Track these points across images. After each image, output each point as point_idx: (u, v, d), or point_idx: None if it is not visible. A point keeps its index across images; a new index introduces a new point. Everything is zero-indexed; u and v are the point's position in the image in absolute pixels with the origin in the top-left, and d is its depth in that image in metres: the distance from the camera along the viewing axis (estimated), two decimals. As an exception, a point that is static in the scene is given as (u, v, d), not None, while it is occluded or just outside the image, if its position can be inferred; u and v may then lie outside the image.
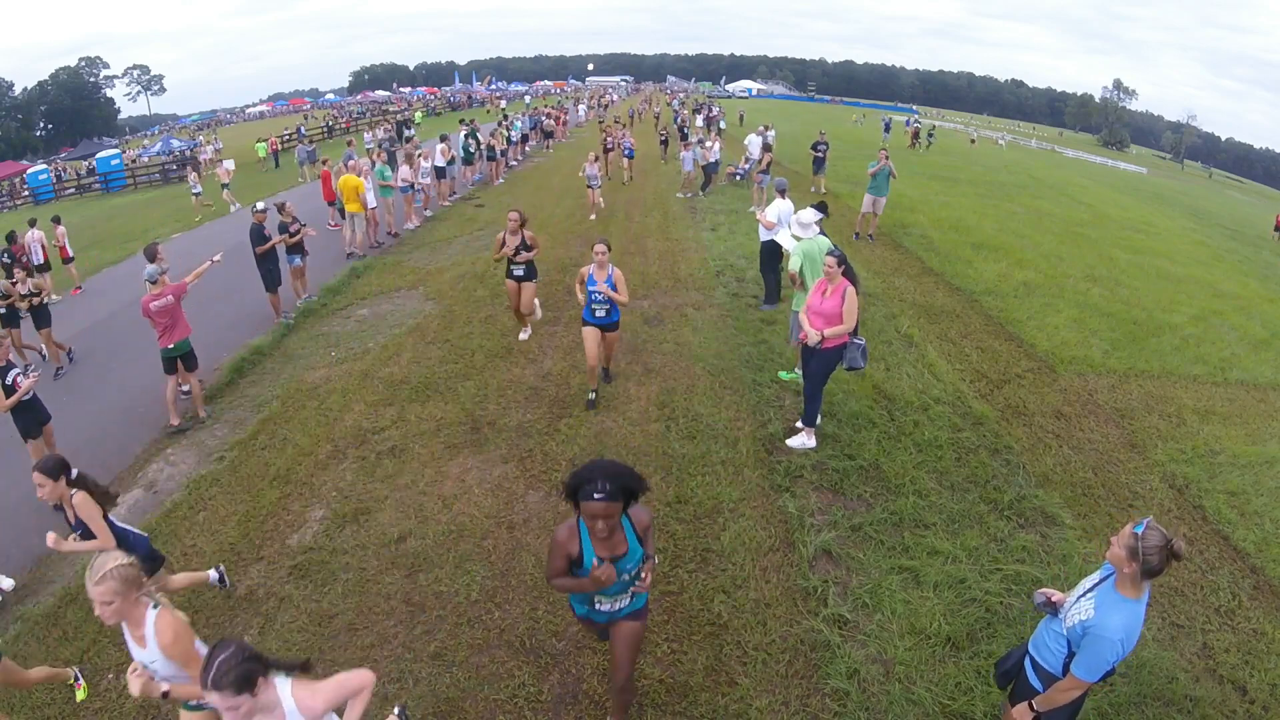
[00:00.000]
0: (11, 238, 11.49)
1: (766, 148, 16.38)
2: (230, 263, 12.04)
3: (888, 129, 38.18)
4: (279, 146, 30.30)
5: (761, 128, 18.13)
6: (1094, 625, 2.45)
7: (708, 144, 17.13)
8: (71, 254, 12.49)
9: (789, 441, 5.75)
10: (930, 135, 36.48)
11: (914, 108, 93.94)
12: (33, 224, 12.51)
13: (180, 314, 6.42)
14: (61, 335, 9.71)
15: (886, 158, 12.14)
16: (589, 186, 14.46)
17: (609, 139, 19.52)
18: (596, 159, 14.47)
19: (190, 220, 17.78)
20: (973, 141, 45.20)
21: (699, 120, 30.14)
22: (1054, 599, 2.77)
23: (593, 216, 14.46)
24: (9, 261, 11.23)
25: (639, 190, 17.54)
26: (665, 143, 23.18)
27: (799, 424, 5.86)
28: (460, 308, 9.22)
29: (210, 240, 14.69)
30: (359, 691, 2.47)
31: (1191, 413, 6.64)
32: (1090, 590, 2.60)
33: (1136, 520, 2.46)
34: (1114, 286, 10.68)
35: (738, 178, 17.12)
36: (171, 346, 6.39)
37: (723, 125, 30.27)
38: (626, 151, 18.57)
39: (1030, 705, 2.72)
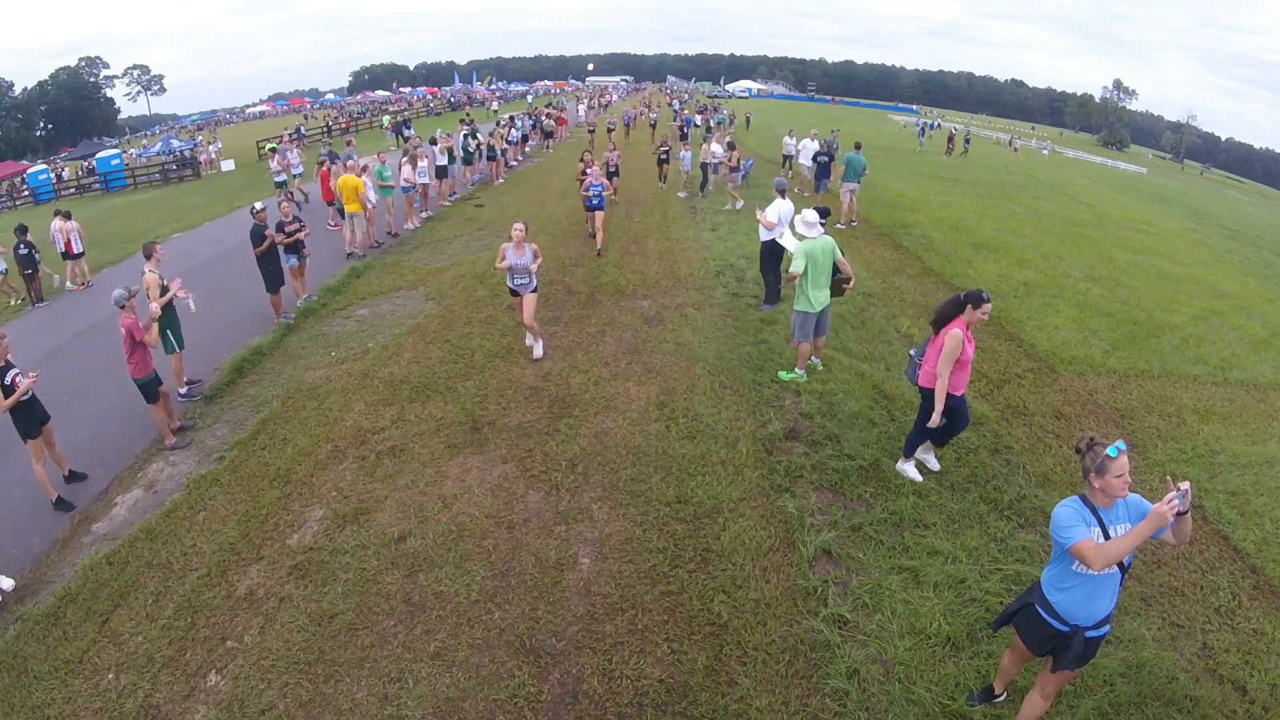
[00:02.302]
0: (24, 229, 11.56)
1: (827, 151, 16.18)
2: (230, 263, 12.10)
3: (922, 133, 36.97)
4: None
5: (794, 132, 18.11)
6: (1136, 511, 2.76)
7: (713, 145, 17.08)
8: (77, 250, 12.51)
9: (903, 468, 5.29)
10: (966, 142, 35.01)
11: (914, 107, 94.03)
12: (58, 214, 12.56)
13: (137, 352, 5.95)
14: (61, 334, 9.72)
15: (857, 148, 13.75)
16: (514, 292, 7.23)
17: (587, 171, 12.33)
18: (524, 237, 6.93)
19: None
20: (1015, 150, 40.80)
21: (697, 120, 30.22)
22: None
23: (535, 360, 7.44)
24: (25, 252, 11.32)
25: (639, 190, 17.49)
26: (665, 160, 17.64)
27: (918, 458, 5.34)
28: (460, 308, 9.22)
29: (211, 240, 14.70)
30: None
31: (1191, 413, 6.64)
32: (1107, 523, 2.77)
33: (1100, 444, 2.76)
34: (1114, 286, 10.68)
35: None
36: (133, 378, 6.03)
37: (711, 124, 30.16)
38: (591, 200, 11.72)
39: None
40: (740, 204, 14.86)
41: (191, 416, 6.77)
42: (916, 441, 5.19)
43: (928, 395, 4.84)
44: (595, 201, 11.81)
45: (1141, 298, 10.24)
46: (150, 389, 6.10)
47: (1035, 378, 7.25)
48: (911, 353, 5.18)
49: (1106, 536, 2.73)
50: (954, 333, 4.59)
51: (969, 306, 4.62)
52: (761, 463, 5.52)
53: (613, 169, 15.41)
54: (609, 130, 27.11)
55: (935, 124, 42.91)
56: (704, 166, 16.66)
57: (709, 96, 67.28)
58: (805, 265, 6.31)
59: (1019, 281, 10.38)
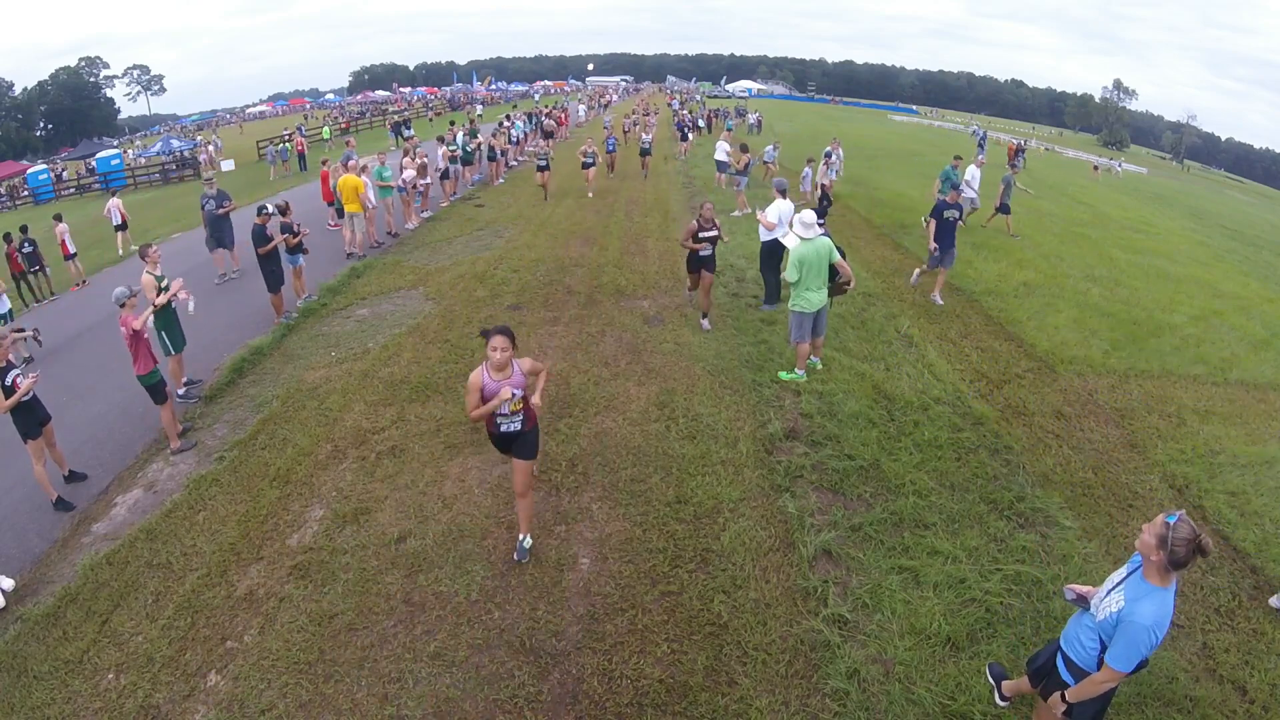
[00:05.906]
0: (8, 238, 11.60)
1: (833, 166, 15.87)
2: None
3: (982, 145, 32.32)
4: (305, 147, 27.79)
5: (838, 141, 18.23)
6: (1125, 614, 2.51)
7: (721, 143, 17.03)
8: (72, 251, 12.54)
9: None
10: (1021, 154, 29.69)
11: (914, 108, 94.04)
12: (58, 219, 12.63)
13: (140, 348, 5.90)
14: (61, 334, 9.71)
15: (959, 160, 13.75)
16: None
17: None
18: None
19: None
20: (1095, 169, 38.91)
21: (699, 122, 30.34)
22: (1084, 593, 2.80)
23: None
24: (30, 250, 11.41)
25: (639, 190, 17.48)
26: (709, 255, 7.92)
27: None
28: (460, 308, 9.21)
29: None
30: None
31: (1191, 413, 6.64)
32: (1120, 583, 2.64)
33: (1170, 511, 2.53)
34: (1114, 286, 10.68)
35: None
36: (138, 376, 5.99)
37: (698, 124, 30.12)
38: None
39: (1063, 696, 2.75)
40: (739, 212, 14.44)
41: (191, 417, 6.76)
42: None
43: None
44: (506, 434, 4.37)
45: (1141, 298, 10.24)
46: (157, 390, 6.07)
47: (1035, 378, 7.25)
48: None
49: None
50: None
51: None
52: (761, 463, 5.52)
53: (514, 391, 4.39)
54: (584, 163, 16.38)
55: (984, 132, 39.03)
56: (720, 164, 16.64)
57: (709, 96, 67.23)
58: (802, 269, 6.33)
59: (1019, 281, 10.38)
